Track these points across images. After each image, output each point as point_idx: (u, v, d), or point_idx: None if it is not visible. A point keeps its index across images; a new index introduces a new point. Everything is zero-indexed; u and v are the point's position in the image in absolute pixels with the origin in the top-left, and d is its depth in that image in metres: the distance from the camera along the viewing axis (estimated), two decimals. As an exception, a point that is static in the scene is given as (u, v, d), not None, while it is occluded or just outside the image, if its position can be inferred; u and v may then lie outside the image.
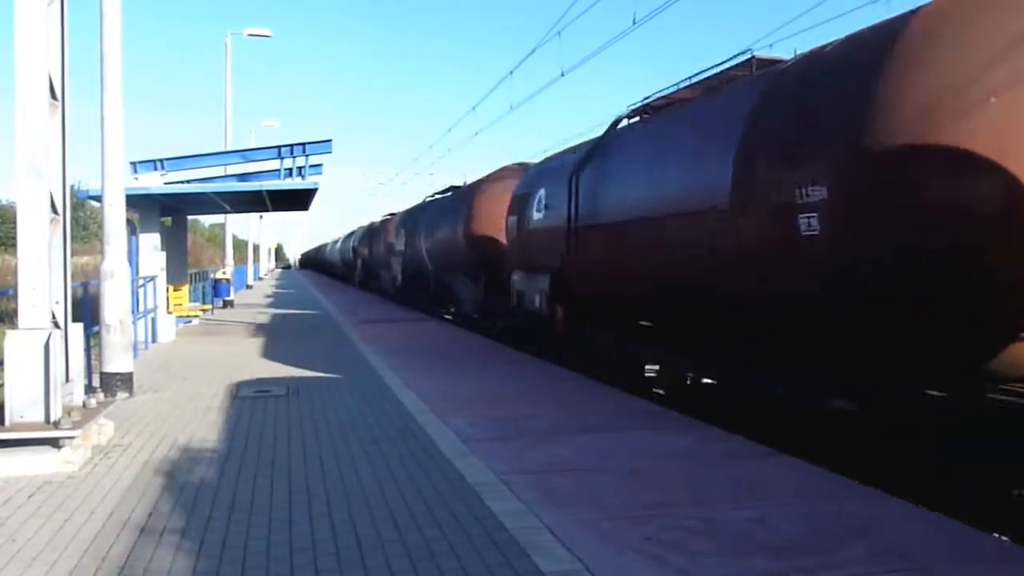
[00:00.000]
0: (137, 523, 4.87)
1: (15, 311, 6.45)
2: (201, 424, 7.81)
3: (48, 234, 6.42)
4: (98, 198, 9.66)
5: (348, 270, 51.03)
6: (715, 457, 6.39)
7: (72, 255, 7.04)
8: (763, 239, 7.16)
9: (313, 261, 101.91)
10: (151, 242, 15.11)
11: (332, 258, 66.74)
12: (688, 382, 9.80)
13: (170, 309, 16.54)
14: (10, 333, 6.28)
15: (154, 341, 14.84)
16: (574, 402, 8.89)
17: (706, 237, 7.99)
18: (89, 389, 7.76)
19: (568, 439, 7.05)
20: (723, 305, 8.39)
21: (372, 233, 38.40)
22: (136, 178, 15.07)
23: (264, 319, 21.93)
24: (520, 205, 14.53)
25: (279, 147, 16.03)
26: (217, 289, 27.30)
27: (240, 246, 57.45)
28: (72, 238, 7.05)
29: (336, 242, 66.40)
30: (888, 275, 6.09)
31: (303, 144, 15.85)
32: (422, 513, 5.04)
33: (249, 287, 45.01)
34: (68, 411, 6.45)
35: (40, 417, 6.14)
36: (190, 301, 20.21)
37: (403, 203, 50.33)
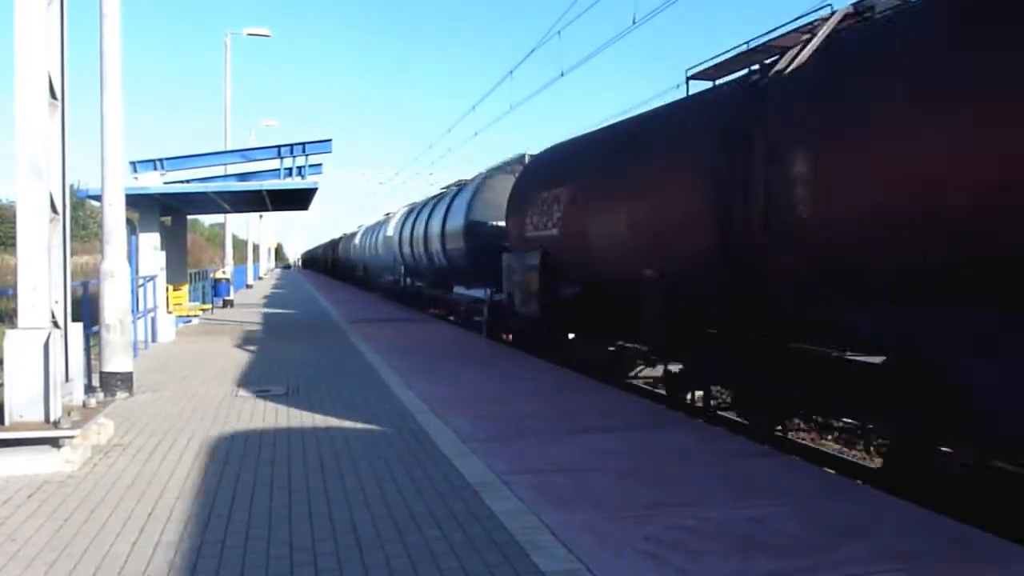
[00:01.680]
0: (137, 523, 4.87)
1: (15, 311, 6.45)
2: (201, 423, 7.81)
3: (48, 234, 6.42)
4: (98, 198, 9.66)
5: (420, 279, 26.49)
6: (715, 457, 6.39)
7: (72, 255, 7.04)
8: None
9: (322, 261, 78.95)
10: (151, 242, 15.10)
11: (367, 256, 40.38)
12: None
13: (170, 309, 16.53)
14: (10, 333, 6.28)
15: (154, 341, 14.84)
16: (574, 401, 8.89)
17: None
18: (89, 389, 7.76)
19: (568, 439, 7.05)
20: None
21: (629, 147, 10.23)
22: (136, 178, 15.06)
23: (264, 319, 21.93)
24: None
25: (279, 147, 16.03)
26: (217, 289, 27.30)
27: (240, 246, 57.38)
28: (72, 238, 7.05)
29: (376, 230, 37.62)
30: None
31: (303, 144, 15.85)
32: (422, 513, 5.04)
33: (249, 287, 45.01)
34: (68, 411, 6.45)
35: (40, 417, 6.14)
36: (190, 301, 20.20)
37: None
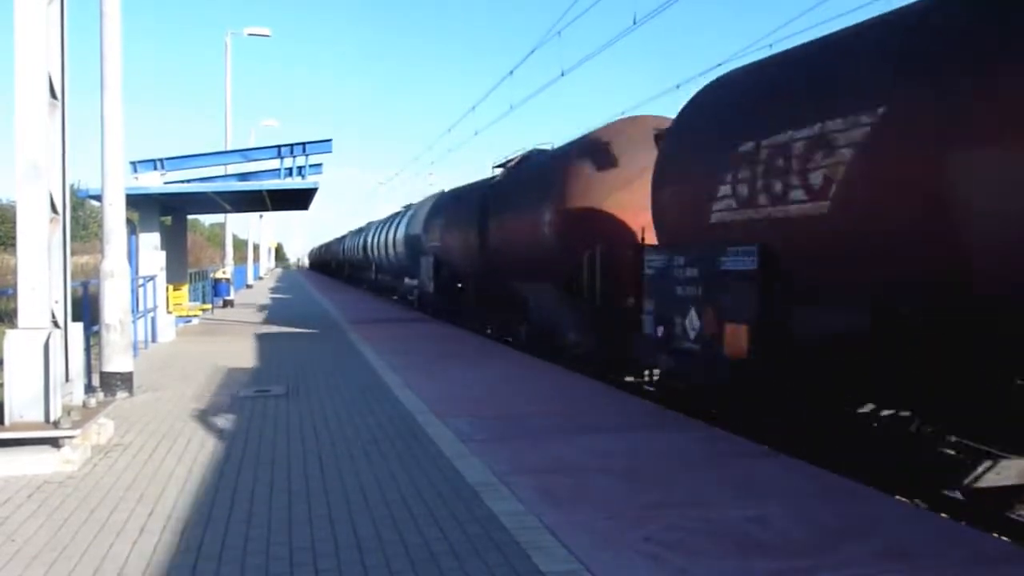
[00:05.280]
0: (137, 523, 4.88)
1: (15, 311, 6.45)
2: (201, 423, 7.81)
3: (48, 234, 6.42)
4: (98, 197, 9.66)
5: None
6: (715, 457, 6.39)
7: (72, 255, 7.04)
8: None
9: (349, 263, 50.88)
10: (151, 241, 15.10)
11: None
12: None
13: (170, 309, 16.53)
14: (10, 333, 6.28)
15: (154, 341, 14.84)
16: (574, 402, 8.90)
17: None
18: (89, 388, 7.76)
19: (568, 439, 7.05)
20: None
21: None
22: (136, 178, 15.06)
23: (265, 319, 21.93)
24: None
25: (279, 147, 16.03)
26: (217, 289, 27.28)
27: (240, 245, 57.36)
28: (72, 238, 7.05)
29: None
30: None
31: (303, 144, 15.86)
32: (422, 513, 5.04)
33: (249, 287, 45.01)
34: (68, 410, 6.45)
35: (40, 417, 6.14)
36: (190, 301, 20.18)
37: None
